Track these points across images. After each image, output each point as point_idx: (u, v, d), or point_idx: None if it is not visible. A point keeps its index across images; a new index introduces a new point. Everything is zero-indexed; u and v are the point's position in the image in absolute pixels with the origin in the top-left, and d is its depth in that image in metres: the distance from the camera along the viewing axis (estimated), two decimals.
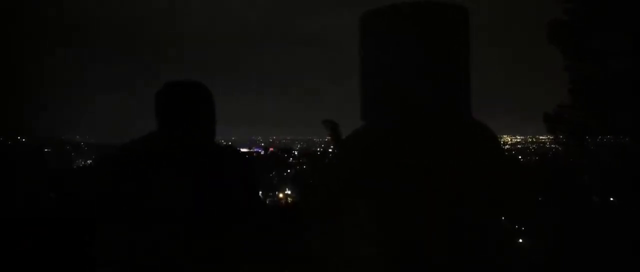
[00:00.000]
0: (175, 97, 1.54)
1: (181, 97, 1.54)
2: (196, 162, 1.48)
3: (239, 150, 1.70)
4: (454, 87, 1.20)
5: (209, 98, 1.58)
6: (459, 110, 1.21)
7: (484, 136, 1.22)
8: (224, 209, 1.47)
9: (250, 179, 1.59)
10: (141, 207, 1.40)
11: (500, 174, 1.19)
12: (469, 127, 1.21)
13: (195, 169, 1.46)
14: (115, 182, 1.46)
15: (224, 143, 1.90)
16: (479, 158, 1.17)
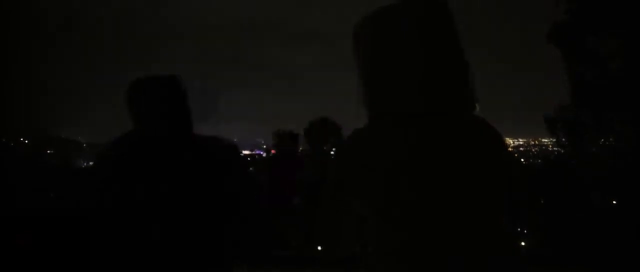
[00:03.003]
0: (140, 93, 1.52)
1: (146, 92, 1.52)
2: (176, 156, 1.47)
3: (223, 137, 1.65)
4: (451, 84, 1.20)
5: (176, 89, 1.55)
6: (460, 107, 1.20)
7: (486, 133, 1.22)
8: (211, 199, 1.46)
9: (237, 165, 1.57)
10: (128, 204, 1.40)
11: (503, 173, 1.19)
12: (470, 124, 1.21)
13: (176, 162, 1.45)
14: (103, 181, 1.46)
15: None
16: (481, 156, 1.17)
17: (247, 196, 1.59)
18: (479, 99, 1.23)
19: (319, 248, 1.29)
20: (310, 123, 4.56)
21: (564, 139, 10.74)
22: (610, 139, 9.99)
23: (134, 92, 1.54)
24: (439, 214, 1.10)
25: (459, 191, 1.12)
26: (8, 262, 2.12)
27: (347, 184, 1.18)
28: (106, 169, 1.48)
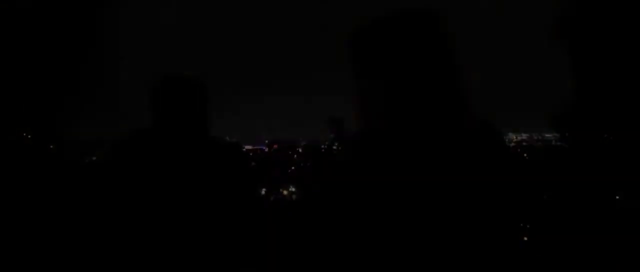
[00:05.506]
0: (169, 93, 1.54)
1: (175, 93, 1.54)
2: (190, 157, 1.48)
3: (234, 143, 1.69)
4: (446, 90, 1.20)
5: (201, 92, 1.58)
6: (458, 111, 1.21)
7: (486, 135, 1.22)
8: (212, 199, 1.47)
9: (244, 173, 1.59)
10: (138, 201, 1.41)
11: (502, 173, 1.20)
12: (470, 126, 1.22)
13: (189, 163, 1.47)
14: (104, 180, 1.47)
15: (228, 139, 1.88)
16: (480, 157, 1.17)
17: (249, 195, 1.60)
18: (471, 104, 1.24)
19: None
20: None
21: (567, 134, 10.78)
22: (611, 138, 10.00)
23: (159, 90, 1.55)
24: (439, 214, 1.11)
25: (458, 191, 1.12)
26: (9, 261, 2.14)
27: (350, 188, 1.19)
28: (109, 168, 1.49)
